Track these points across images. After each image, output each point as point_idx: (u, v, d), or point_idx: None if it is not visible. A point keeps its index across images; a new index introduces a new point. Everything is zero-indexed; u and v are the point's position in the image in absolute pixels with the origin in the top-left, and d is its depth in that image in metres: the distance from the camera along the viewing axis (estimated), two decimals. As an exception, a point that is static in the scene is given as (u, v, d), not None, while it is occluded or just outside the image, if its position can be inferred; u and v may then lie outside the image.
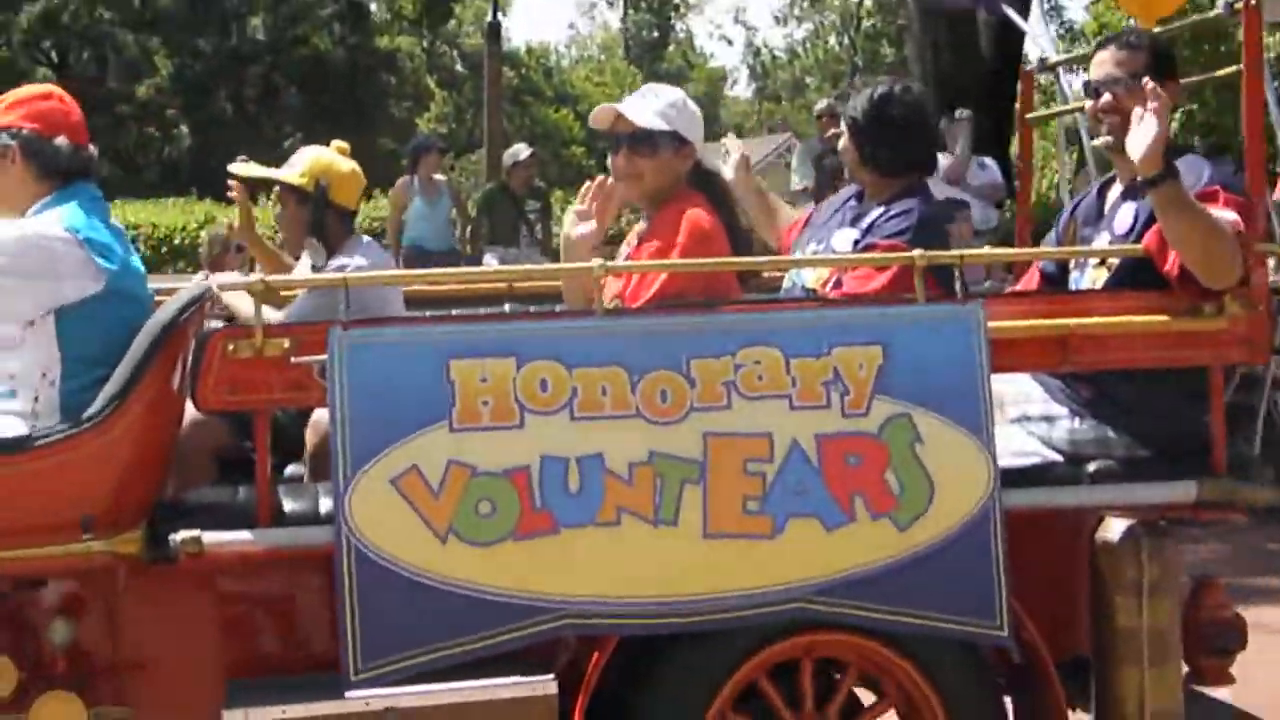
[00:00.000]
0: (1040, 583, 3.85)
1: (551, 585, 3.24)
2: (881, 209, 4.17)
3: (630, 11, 44.57)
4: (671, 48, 49.56)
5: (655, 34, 48.99)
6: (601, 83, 45.08)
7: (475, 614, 3.22)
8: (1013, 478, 3.56)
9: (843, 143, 4.41)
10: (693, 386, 3.30)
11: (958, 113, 12.30)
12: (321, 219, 4.65)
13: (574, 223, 3.99)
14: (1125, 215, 3.87)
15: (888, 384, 3.38)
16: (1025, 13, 16.70)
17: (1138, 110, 3.62)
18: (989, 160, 12.56)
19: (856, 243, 4.11)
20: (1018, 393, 3.91)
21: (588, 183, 4.06)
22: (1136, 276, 3.75)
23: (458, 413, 3.22)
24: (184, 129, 37.54)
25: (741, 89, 51.06)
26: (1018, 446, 3.76)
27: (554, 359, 3.26)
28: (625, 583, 3.27)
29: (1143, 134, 3.55)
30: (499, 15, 19.36)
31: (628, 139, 4.05)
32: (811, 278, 4.14)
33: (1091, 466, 3.75)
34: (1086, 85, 4.03)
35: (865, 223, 4.18)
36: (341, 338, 3.22)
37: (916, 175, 4.30)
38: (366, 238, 4.86)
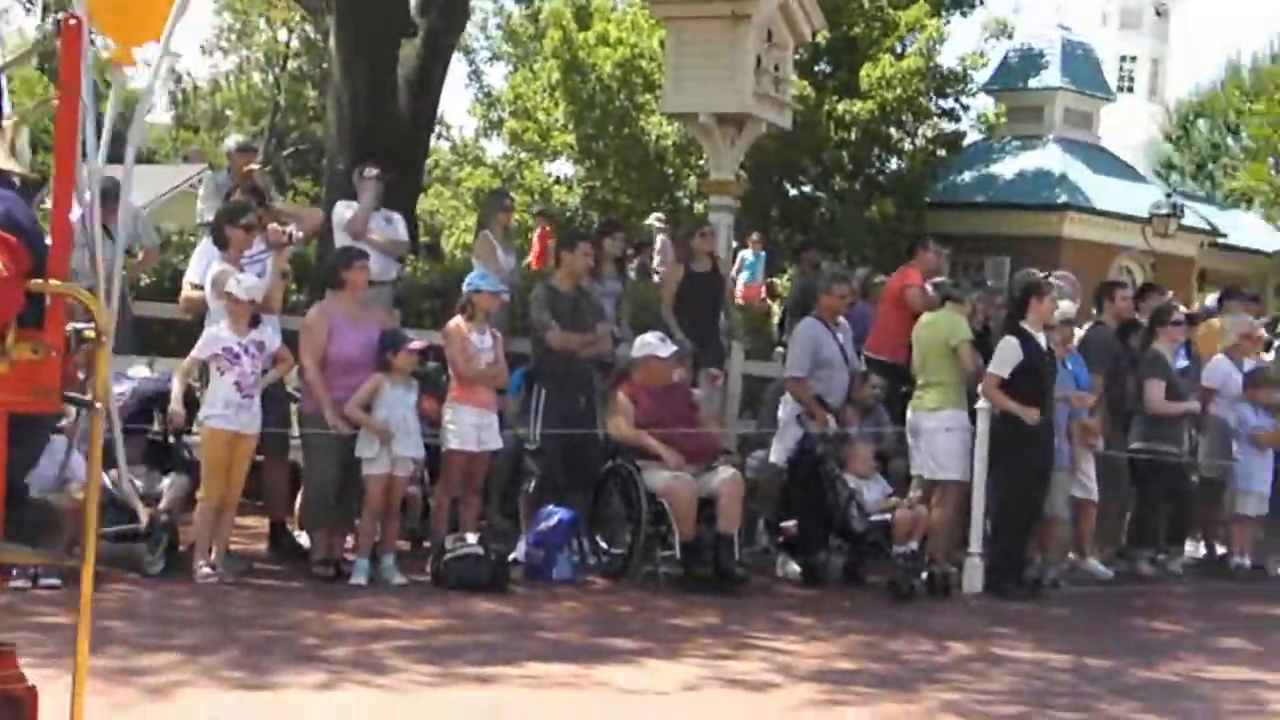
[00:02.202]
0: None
1: None
2: None
3: (46, 21, 42.38)
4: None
5: (70, 47, 46.77)
6: (12, 90, 42.60)
7: None
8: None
9: None
10: None
11: (365, 170, 12.34)
12: None
13: None
14: None
15: None
16: (445, 70, 17.04)
17: None
18: (396, 215, 12.62)
19: None
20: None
21: None
22: None
23: None
24: None
25: (160, 114, 49.54)
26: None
27: None
28: None
29: None
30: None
31: None
32: None
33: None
34: None
35: None
36: None
37: None
38: None
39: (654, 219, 20.22)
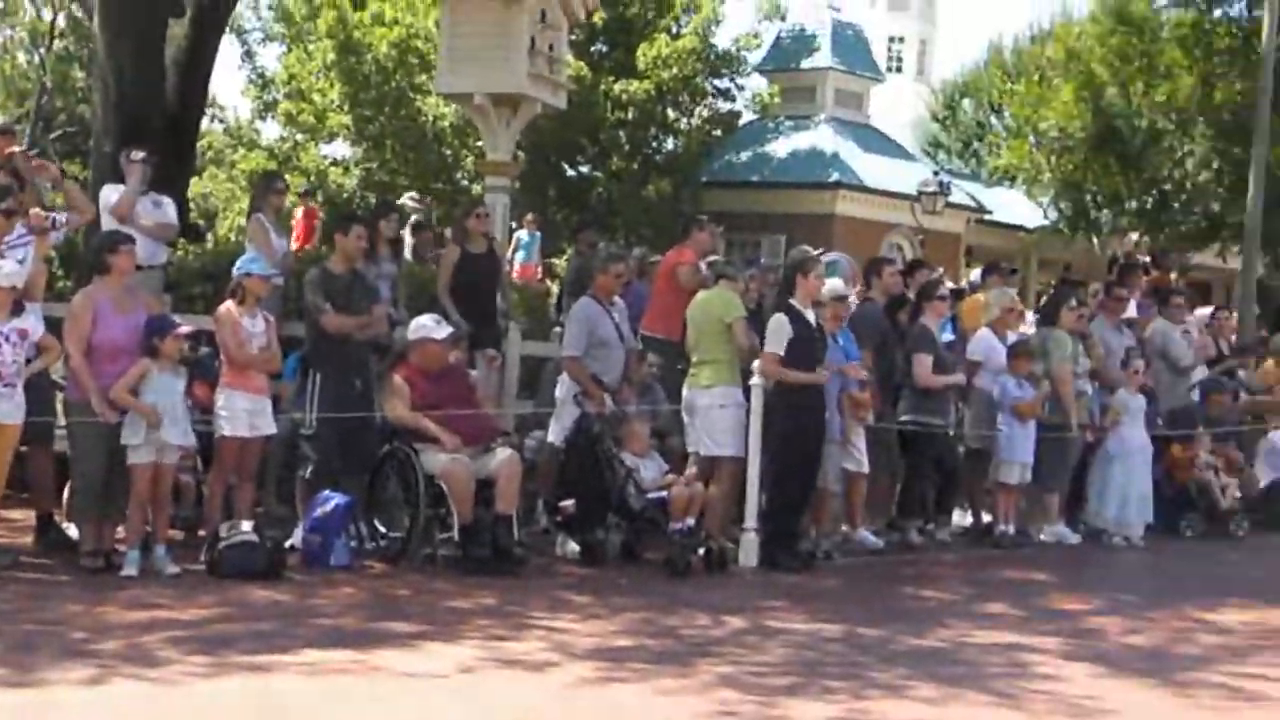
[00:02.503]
0: None
1: None
2: None
3: None
4: None
5: None
6: None
7: None
8: None
9: None
10: None
11: (132, 153, 12.06)
12: None
13: None
14: None
15: None
16: (215, 50, 16.69)
17: None
18: (165, 199, 12.36)
19: None
20: None
21: None
22: None
23: None
24: None
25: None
26: None
27: None
28: None
29: None
30: None
31: None
32: None
33: None
34: None
35: None
36: None
37: None
38: None
39: (407, 199, 20.10)
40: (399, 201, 18.93)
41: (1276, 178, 22.20)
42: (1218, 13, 25.20)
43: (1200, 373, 15.87)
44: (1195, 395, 15.62)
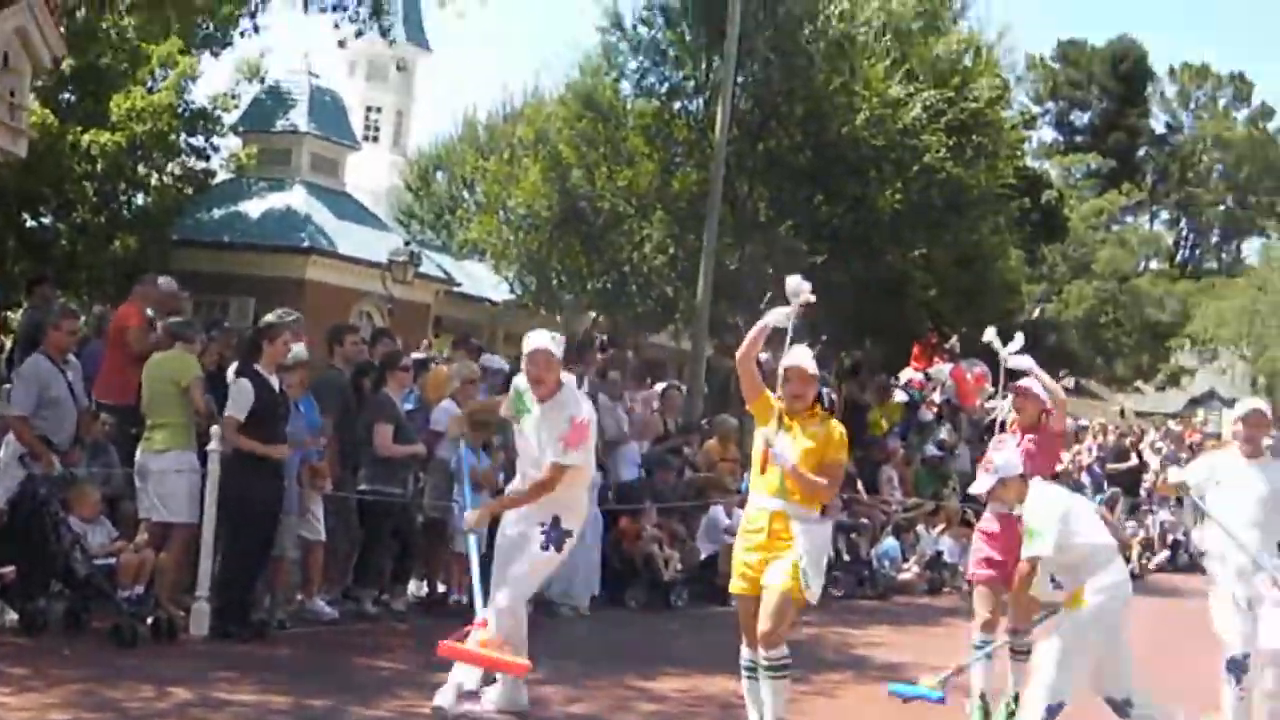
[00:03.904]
0: None
1: None
2: None
3: None
4: None
5: None
6: None
7: None
8: None
9: None
10: None
11: None
12: None
13: None
14: None
15: None
16: None
17: None
18: None
19: None
20: None
21: None
22: None
23: None
24: None
25: None
26: None
27: None
28: None
29: None
30: None
31: None
32: None
33: None
34: None
35: None
36: None
37: None
38: None
39: None
40: None
41: (725, 266, 23.53)
42: (677, 105, 26.53)
43: (633, 450, 16.48)
44: (640, 470, 16.33)
